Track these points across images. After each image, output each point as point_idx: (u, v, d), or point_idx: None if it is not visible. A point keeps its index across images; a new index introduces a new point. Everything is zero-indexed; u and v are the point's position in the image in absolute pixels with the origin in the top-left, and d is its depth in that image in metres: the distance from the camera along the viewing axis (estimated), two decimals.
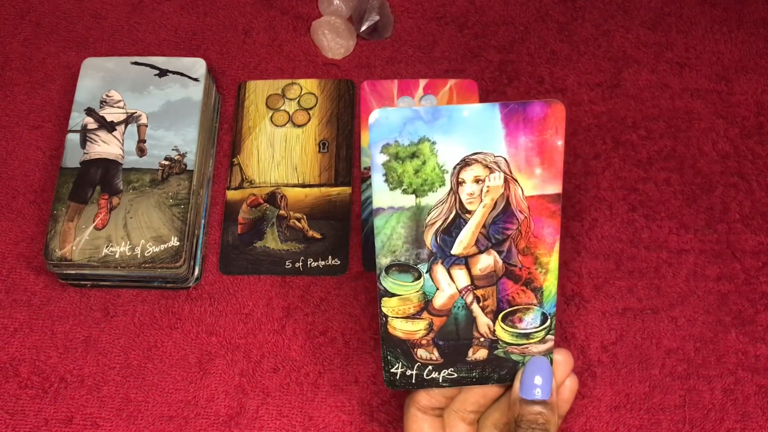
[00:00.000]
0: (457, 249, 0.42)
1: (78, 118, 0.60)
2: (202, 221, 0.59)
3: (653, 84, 0.65)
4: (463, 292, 0.43)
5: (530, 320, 0.44)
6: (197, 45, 0.67)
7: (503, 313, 0.44)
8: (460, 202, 0.41)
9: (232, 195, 0.61)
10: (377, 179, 0.40)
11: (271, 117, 0.64)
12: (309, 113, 0.64)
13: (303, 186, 0.61)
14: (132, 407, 0.54)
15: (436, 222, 0.42)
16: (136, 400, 0.54)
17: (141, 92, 0.61)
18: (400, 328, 0.44)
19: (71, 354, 0.56)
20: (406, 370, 0.45)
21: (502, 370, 0.45)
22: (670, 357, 0.55)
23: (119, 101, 0.60)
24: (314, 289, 0.58)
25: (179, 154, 0.58)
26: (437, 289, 0.43)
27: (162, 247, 0.55)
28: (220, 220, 0.60)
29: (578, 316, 0.57)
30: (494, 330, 0.44)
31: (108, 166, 0.58)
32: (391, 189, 0.41)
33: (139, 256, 0.55)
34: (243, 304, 0.57)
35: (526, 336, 0.44)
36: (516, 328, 0.44)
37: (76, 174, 0.57)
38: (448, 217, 0.42)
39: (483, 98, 0.64)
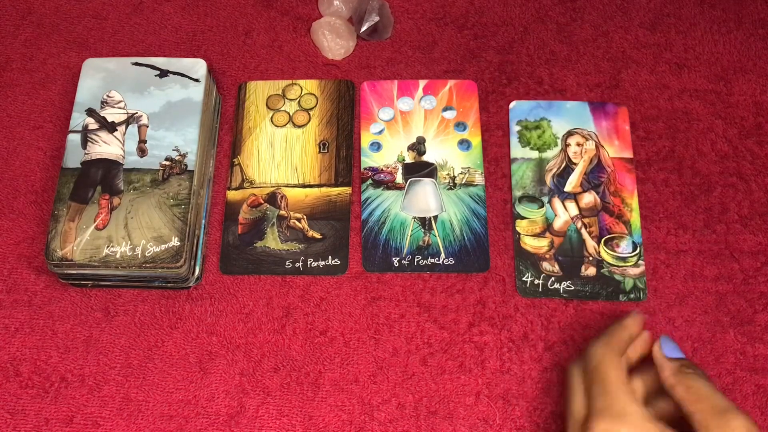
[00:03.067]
0: (568, 188, 0.61)
1: (79, 119, 0.60)
2: (203, 221, 0.60)
3: (652, 84, 0.65)
4: (574, 219, 0.60)
5: (625, 246, 0.59)
6: (198, 46, 0.68)
7: (604, 238, 0.59)
8: (569, 157, 0.62)
9: (232, 195, 0.61)
10: (514, 140, 0.63)
11: (272, 117, 0.64)
12: (309, 114, 0.64)
13: (303, 186, 0.61)
14: (132, 407, 0.54)
15: (552, 169, 0.61)
16: (137, 400, 0.54)
17: (142, 93, 0.61)
18: (529, 243, 0.59)
19: (72, 354, 0.56)
20: (534, 279, 0.58)
21: (608, 288, 0.57)
22: None
23: (120, 102, 0.60)
24: (314, 289, 0.58)
25: (180, 155, 0.58)
26: (555, 215, 0.60)
27: (162, 247, 0.55)
28: (220, 220, 0.60)
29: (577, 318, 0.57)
30: (599, 251, 0.58)
31: (109, 166, 0.58)
32: (522, 147, 0.62)
33: (139, 256, 0.55)
34: (243, 304, 0.58)
35: (623, 260, 0.58)
36: (615, 252, 0.58)
37: (77, 174, 0.58)
38: (560, 166, 0.61)
39: (483, 99, 0.64)
